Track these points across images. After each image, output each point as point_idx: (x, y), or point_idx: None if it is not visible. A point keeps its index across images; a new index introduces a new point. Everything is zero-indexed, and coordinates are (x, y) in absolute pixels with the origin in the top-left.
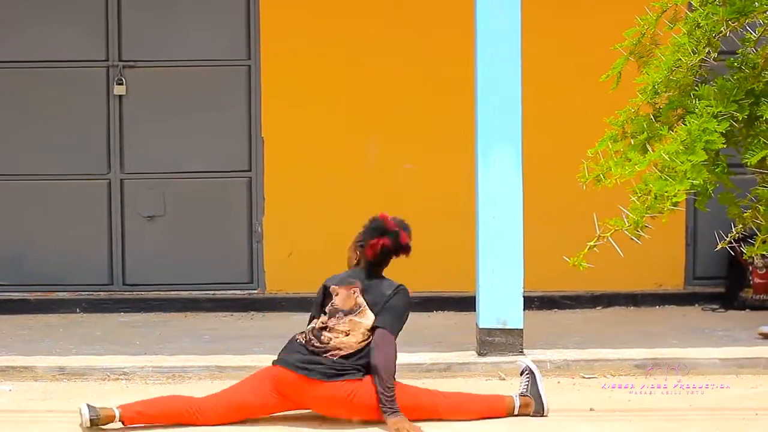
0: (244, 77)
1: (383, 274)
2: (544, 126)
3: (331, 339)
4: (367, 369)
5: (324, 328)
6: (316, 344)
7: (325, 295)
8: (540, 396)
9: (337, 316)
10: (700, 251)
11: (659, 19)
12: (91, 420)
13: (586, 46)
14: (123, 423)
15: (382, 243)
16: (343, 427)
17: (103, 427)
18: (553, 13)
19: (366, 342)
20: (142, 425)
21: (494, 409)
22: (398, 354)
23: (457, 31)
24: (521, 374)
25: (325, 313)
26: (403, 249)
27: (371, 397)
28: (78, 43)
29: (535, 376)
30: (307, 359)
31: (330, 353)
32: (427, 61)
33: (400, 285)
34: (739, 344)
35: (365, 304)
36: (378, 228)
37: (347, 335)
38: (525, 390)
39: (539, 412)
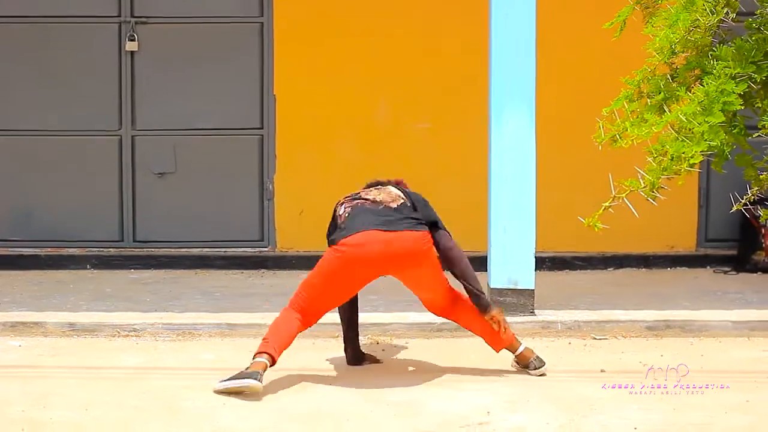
0: (257, 34)
1: None
2: (558, 86)
3: (374, 199)
4: None
5: (359, 199)
6: (369, 205)
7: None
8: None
9: (362, 194)
10: (713, 213)
11: None
12: (260, 381)
13: (602, 4)
14: (273, 364)
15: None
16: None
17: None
18: None
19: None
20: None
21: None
22: (407, 314)
23: None
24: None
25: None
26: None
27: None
28: None
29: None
30: (376, 218)
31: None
32: (442, 21)
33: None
34: (751, 307)
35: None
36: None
37: (386, 194)
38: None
39: (536, 366)
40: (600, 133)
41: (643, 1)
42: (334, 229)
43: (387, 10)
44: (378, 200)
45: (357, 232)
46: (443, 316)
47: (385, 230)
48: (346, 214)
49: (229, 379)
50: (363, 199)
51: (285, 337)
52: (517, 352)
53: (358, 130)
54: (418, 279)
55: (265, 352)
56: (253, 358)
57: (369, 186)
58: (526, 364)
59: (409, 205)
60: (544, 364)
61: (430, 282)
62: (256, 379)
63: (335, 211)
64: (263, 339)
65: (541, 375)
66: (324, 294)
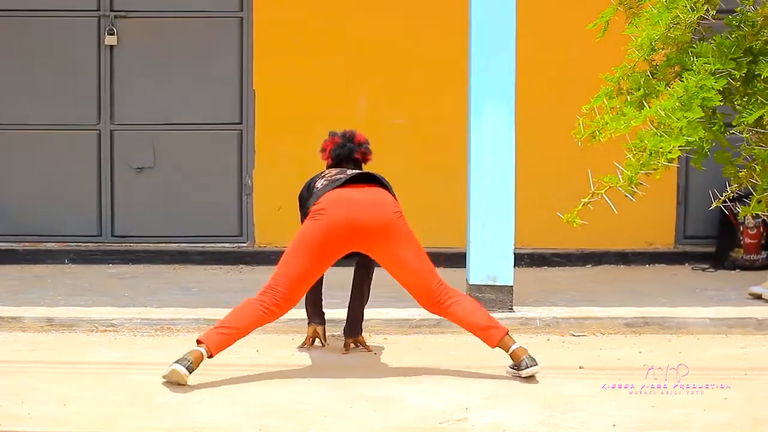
0: (237, 29)
1: None
2: (538, 82)
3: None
4: None
5: (340, 173)
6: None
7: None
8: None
9: (345, 171)
10: (691, 210)
11: None
12: (188, 369)
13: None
14: (211, 355)
15: (333, 141)
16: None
17: (196, 371)
18: None
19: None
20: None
21: (491, 327)
22: (387, 310)
23: None
24: None
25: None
26: (360, 146)
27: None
28: None
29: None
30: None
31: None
32: (421, 16)
33: None
34: (729, 304)
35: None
36: (333, 132)
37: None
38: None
39: (525, 366)
40: (579, 129)
41: (626, 1)
42: (308, 205)
43: (367, 5)
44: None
45: (329, 191)
46: (433, 308)
47: (359, 185)
48: (323, 184)
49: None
50: (345, 174)
51: (238, 326)
52: (510, 350)
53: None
54: (398, 248)
55: (204, 344)
56: (199, 343)
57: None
58: (517, 363)
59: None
60: (536, 364)
61: (407, 251)
62: (183, 366)
63: (310, 182)
64: (219, 325)
65: (530, 375)
66: (302, 266)
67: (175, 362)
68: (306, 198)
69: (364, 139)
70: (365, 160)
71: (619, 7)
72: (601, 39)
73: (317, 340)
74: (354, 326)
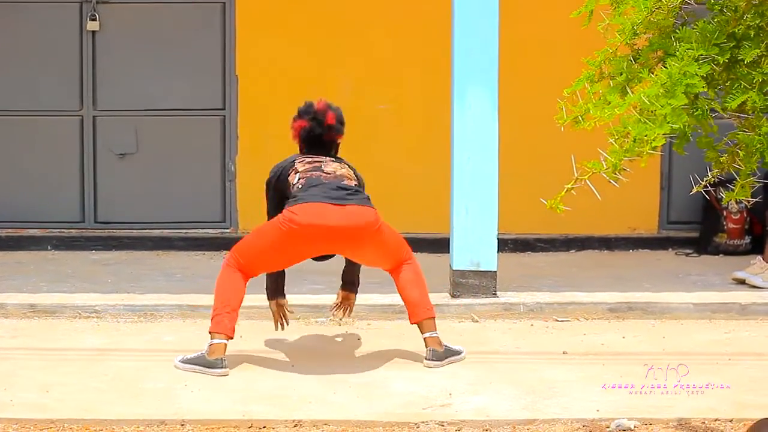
0: (219, 14)
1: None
2: (521, 67)
3: (333, 172)
4: None
5: (319, 168)
6: (324, 175)
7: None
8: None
9: (321, 166)
10: (675, 196)
11: None
12: (225, 366)
13: None
14: (231, 338)
15: (301, 125)
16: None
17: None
18: None
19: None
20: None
21: (419, 305)
22: (370, 296)
23: None
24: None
25: (311, 165)
26: (330, 130)
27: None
28: None
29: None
30: (330, 192)
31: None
32: (405, 2)
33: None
34: (712, 289)
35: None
36: (304, 110)
37: (341, 169)
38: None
39: (428, 357)
40: (562, 114)
41: None
42: (277, 194)
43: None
44: (337, 174)
45: (309, 203)
46: (392, 273)
47: (338, 204)
48: (300, 185)
49: (192, 362)
50: (321, 171)
51: (235, 303)
52: (423, 335)
53: None
54: (368, 254)
55: (222, 333)
56: (211, 338)
57: (316, 155)
58: (426, 352)
59: (356, 184)
60: (438, 360)
61: (380, 256)
62: (221, 367)
63: (281, 172)
64: (214, 311)
65: (430, 367)
66: (266, 261)
67: (214, 368)
68: (274, 184)
69: (333, 118)
70: (335, 140)
71: None
72: (583, 23)
73: (284, 317)
74: (353, 283)
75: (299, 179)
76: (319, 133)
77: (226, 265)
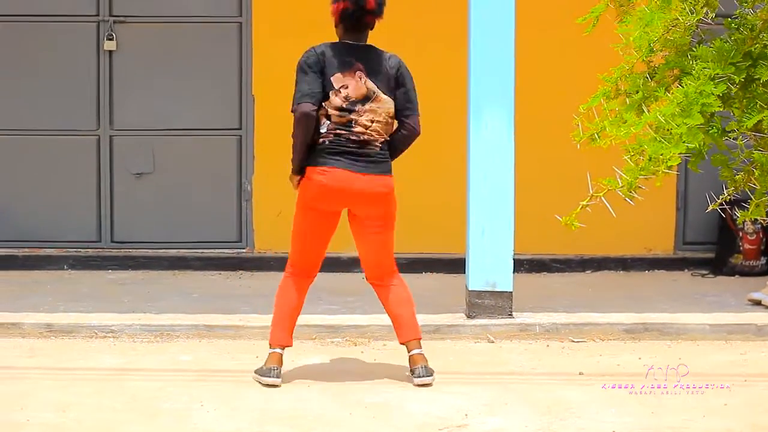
0: (236, 34)
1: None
2: (537, 86)
3: (362, 133)
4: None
5: (349, 125)
6: (351, 137)
7: (322, 76)
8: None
9: (357, 109)
10: (691, 216)
11: None
12: (278, 376)
13: (581, 4)
14: (284, 347)
15: (342, 7)
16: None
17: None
18: None
19: (391, 128)
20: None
21: (415, 325)
22: (386, 317)
23: None
24: None
25: (342, 109)
26: (370, 13)
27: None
28: None
29: None
30: (356, 159)
31: (369, 145)
32: (421, 20)
33: (396, 57)
34: (728, 310)
35: (376, 87)
36: None
37: (372, 122)
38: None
39: (418, 374)
40: (578, 131)
41: None
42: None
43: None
44: (364, 138)
45: (331, 167)
46: (373, 283)
47: (356, 172)
48: (327, 141)
49: (256, 372)
50: (351, 129)
51: (287, 312)
52: (410, 353)
53: None
54: (373, 220)
55: (275, 344)
56: (270, 346)
57: (365, 99)
58: (412, 369)
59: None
60: (429, 375)
61: (381, 231)
62: (271, 376)
63: (323, 70)
64: (271, 323)
65: (421, 385)
66: (308, 242)
67: (264, 377)
68: (313, 72)
69: (374, 1)
70: (374, 23)
71: (611, 4)
72: (600, 40)
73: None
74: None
75: (328, 130)
76: (359, 16)
77: (284, 274)
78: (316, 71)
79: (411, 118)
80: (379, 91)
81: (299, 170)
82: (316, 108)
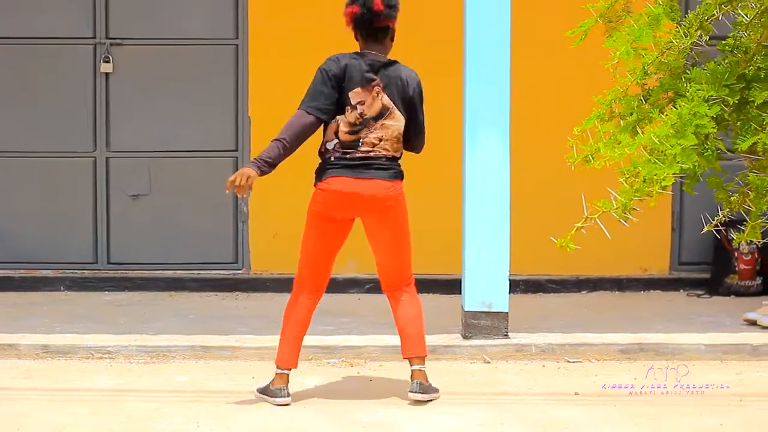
0: (232, 56)
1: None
2: (532, 107)
3: (369, 151)
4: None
5: (356, 144)
6: (357, 155)
7: (339, 90)
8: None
9: (367, 125)
10: (686, 236)
11: None
12: (287, 395)
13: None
14: (289, 368)
15: (351, 12)
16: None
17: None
18: None
19: (400, 146)
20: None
21: (414, 341)
22: (382, 337)
23: (448, 14)
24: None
25: (355, 125)
26: (378, 14)
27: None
28: (65, 20)
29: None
30: (360, 168)
31: (374, 160)
32: (417, 43)
33: (415, 75)
34: (724, 330)
35: (392, 104)
36: None
37: (381, 141)
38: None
39: (413, 390)
40: (573, 153)
41: (606, 14)
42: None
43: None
44: (370, 155)
45: (334, 176)
46: (385, 291)
47: (359, 177)
48: (333, 158)
49: (261, 392)
50: (360, 145)
51: (293, 333)
52: (411, 367)
53: None
54: (383, 228)
55: (281, 365)
56: (276, 368)
57: (379, 115)
58: (411, 383)
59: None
60: (424, 393)
61: (393, 239)
62: (281, 396)
63: (345, 82)
64: (280, 341)
65: (415, 401)
66: (315, 254)
67: (275, 397)
68: (334, 83)
69: (381, 3)
70: (387, 26)
71: (599, 20)
72: (595, 61)
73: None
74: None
75: (335, 148)
76: (368, 19)
77: (292, 291)
78: (335, 85)
79: (421, 139)
80: (394, 108)
81: (264, 171)
82: (317, 125)
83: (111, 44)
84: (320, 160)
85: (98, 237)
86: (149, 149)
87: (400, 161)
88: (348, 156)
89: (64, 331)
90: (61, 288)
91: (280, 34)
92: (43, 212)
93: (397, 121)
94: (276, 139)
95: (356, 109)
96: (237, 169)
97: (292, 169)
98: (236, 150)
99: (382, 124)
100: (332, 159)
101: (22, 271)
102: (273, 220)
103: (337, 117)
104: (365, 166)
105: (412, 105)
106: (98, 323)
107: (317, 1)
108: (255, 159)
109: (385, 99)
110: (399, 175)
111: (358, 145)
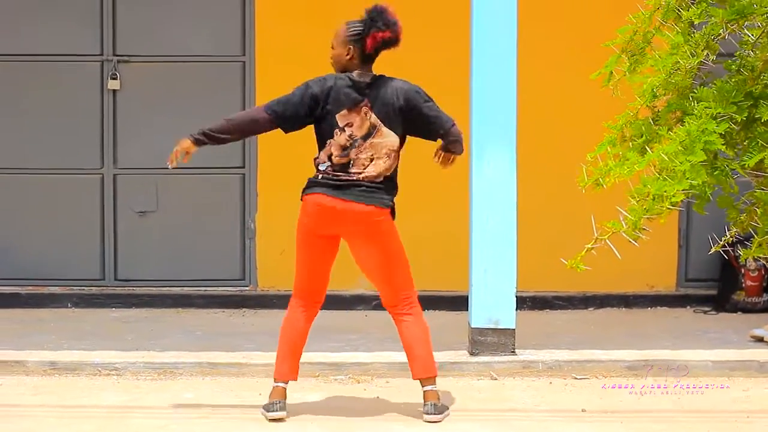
0: (239, 73)
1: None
2: (539, 125)
3: (359, 173)
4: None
5: (346, 166)
6: (345, 178)
7: (321, 110)
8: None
9: (357, 146)
10: (693, 253)
11: (652, 17)
12: (282, 409)
13: (583, 44)
14: (287, 381)
15: (383, 36)
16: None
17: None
18: (550, 9)
19: (394, 163)
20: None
21: (423, 362)
22: (389, 353)
23: (454, 31)
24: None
25: (345, 147)
26: (397, 42)
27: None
28: (72, 37)
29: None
30: (339, 190)
31: (362, 180)
32: (423, 59)
33: (400, 82)
34: (731, 347)
35: (379, 122)
36: (378, 17)
37: (372, 161)
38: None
39: (427, 411)
40: (583, 176)
41: (629, 48)
42: (305, 109)
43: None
44: (359, 179)
45: (317, 193)
46: (387, 310)
47: (340, 198)
48: (321, 177)
49: (262, 406)
50: (351, 167)
51: (290, 347)
52: (423, 389)
53: None
54: (367, 254)
55: (278, 378)
56: (274, 380)
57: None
58: (424, 404)
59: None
60: (437, 413)
61: (378, 262)
62: (274, 410)
63: (326, 106)
64: (277, 355)
65: (430, 422)
66: (306, 267)
67: (268, 411)
68: (310, 102)
69: (400, 34)
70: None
71: (622, 55)
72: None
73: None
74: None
75: (326, 169)
76: (394, 44)
77: (288, 305)
78: (309, 103)
79: (449, 130)
80: (382, 125)
81: (200, 140)
82: (268, 127)
83: (118, 61)
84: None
85: (105, 254)
86: (156, 166)
87: (395, 183)
88: (336, 178)
89: (71, 348)
90: (69, 305)
91: (286, 51)
92: (51, 229)
93: (385, 138)
94: (226, 118)
95: (345, 131)
96: (244, 186)
97: (300, 187)
98: (243, 167)
99: (371, 143)
100: (320, 177)
101: (30, 287)
102: (280, 237)
103: (328, 141)
104: (350, 187)
105: (409, 111)
106: (105, 340)
107: (324, 19)
108: (198, 130)
109: (373, 117)
110: (382, 204)
111: (349, 167)
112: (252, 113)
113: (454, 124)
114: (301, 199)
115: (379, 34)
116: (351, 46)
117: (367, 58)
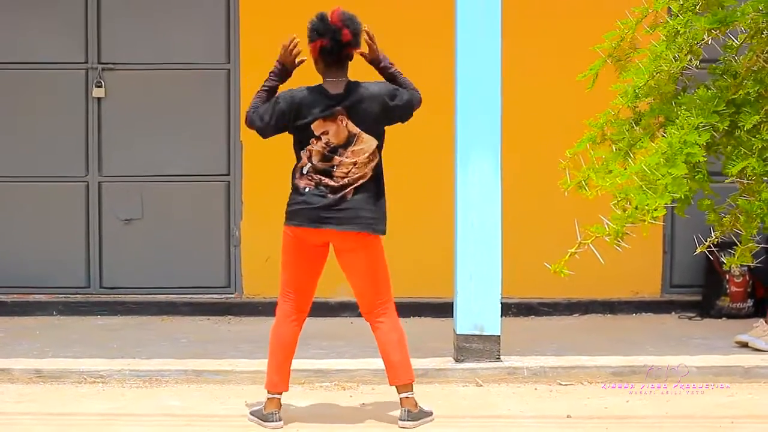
0: (224, 81)
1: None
2: (523, 132)
3: (344, 177)
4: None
5: (329, 170)
6: (331, 183)
7: (292, 123)
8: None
9: (338, 153)
10: (677, 259)
11: (639, 24)
12: (279, 419)
13: (567, 50)
14: (286, 390)
15: (321, 45)
16: None
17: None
18: (534, 15)
19: (375, 159)
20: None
21: (400, 368)
22: (374, 360)
23: (438, 38)
24: None
25: (324, 155)
26: (348, 46)
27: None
28: (57, 45)
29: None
30: (325, 213)
31: (348, 190)
32: (408, 66)
33: (376, 85)
34: (715, 352)
35: (357, 129)
36: (316, 26)
37: (356, 166)
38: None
39: (401, 417)
40: (566, 179)
41: (614, 54)
42: (280, 121)
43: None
44: (343, 184)
45: (297, 226)
46: (364, 316)
47: (320, 229)
48: (308, 189)
49: (254, 414)
50: (330, 176)
51: (281, 357)
52: (399, 395)
53: None
54: (352, 263)
55: (272, 389)
56: (268, 392)
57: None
58: (400, 413)
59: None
60: (412, 421)
61: (363, 272)
62: (272, 421)
63: (298, 115)
64: (268, 367)
65: (406, 428)
66: (294, 272)
67: (267, 422)
68: (281, 113)
69: (349, 34)
70: (351, 55)
71: (608, 60)
72: (585, 87)
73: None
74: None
75: (308, 172)
76: (337, 51)
77: (277, 313)
78: (279, 118)
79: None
80: (361, 132)
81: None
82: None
83: (103, 69)
84: (293, 182)
85: (91, 261)
86: (141, 174)
87: (382, 187)
88: (321, 186)
89: (56, 356)
90: (54, 312)
91: (271, 59)
92: (36, 237)
93: (365, 144)
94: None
95: (321, 139)
96: (229, 194)
97: (285, 193)
98: (228, 174)
99: (353, 150)
100: (307, 190)
101: (15, 295)
102: (265, 244)
103: (307, 148)
104: (338, 202)
105: (385, 113)
106: (91, 347)
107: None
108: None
109: (351, 125)
110: (374, 231)
111: (332, 171)
112: (250, 124)
113: (412, 90)
114: (286, 215)
115: (317, 43)
116: (313, 56)
117: (328, 65)
